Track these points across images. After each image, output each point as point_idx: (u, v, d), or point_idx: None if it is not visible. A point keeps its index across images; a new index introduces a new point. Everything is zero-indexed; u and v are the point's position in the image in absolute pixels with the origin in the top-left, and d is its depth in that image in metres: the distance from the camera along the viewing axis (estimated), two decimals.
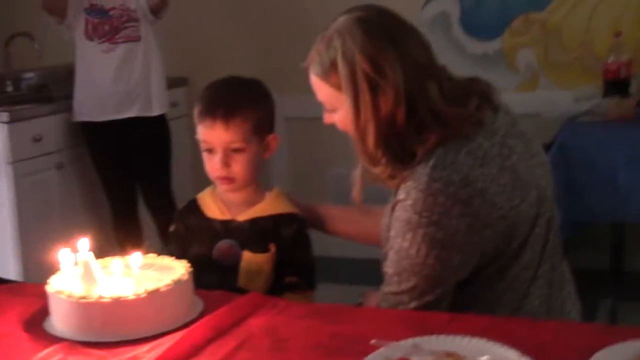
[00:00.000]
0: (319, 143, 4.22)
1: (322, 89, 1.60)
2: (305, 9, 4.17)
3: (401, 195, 1.54)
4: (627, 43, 3.51)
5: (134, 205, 3.76)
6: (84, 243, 1.48)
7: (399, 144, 1.55)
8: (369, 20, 1.55)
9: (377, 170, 1.58)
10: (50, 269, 3.47)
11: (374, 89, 1.52)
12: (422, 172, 1.51)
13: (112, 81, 3.57)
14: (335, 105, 1.59)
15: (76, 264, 1.49)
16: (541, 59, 3.82)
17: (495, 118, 1.59)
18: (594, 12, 3.70)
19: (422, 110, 1.53)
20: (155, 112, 3.67)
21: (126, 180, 3.72)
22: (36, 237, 3.49)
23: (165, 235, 3.66)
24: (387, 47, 1.52)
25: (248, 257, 1.83)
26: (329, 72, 1.56)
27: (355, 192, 1.66)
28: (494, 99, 1.63)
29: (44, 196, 3.56)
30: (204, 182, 2.00)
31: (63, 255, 1.50)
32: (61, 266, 1.50)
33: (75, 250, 1.50)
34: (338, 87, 1.55)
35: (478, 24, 3.91)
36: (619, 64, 3.39)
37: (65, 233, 3.60)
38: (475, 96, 1.60)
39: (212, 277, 1.74)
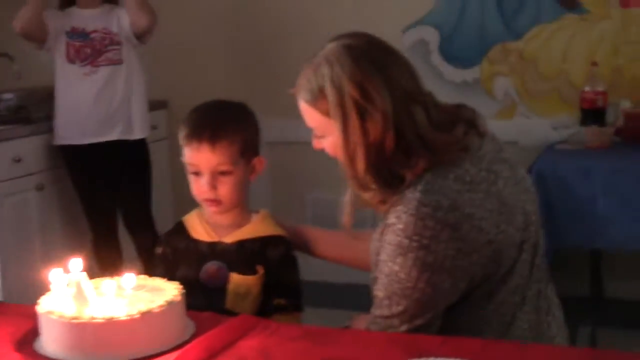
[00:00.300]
0: (299, 167, 4.24)
1: (311, 115, 1.62)
2: (287, 34, 4.21)
3: (391, 219, 1.56)
4: (603, 73, 3.59)
5: (114, 228, 3.74)
6: (77, 263, 1.48)
7: (388, 169, 1.57)
8: (357, 48, 1.58)
9: (367, 196, 1.60)
10: (30, 290, 3.43)
11: (363, 115, 1.54)
12: (411, 196, 1.53)
13: (93, 104, 3.56)
14: (324, 131, 1.61)
15: (68, 284, 1.49)
16: (519, 88, 3.88)
17: (482, 144, 1.62)
18: (570, 42, 3.77)
19: (410, 135, 1.55)
20: (136, 135, 3.66)
21: (106, 202, 3.70)
22: (15, 257, 3.47)
23: (144, 258, 3.67)
24: (374, 74, 1.55)
25: (236, 279, 1.84)
26: (317, 98, 1.58)
27: (346, 218, 1.67)
28: (480, 126, 1.66)
29: (24, 217, 3.54)
30: (184, 204, 2.01)
31: (54, 275, 1.49)
32: (52, 286, 1.50)
33: (66, 270, 1.49)
34: (327, 113, 1.58)
35: (456, 52, 3.97)
36: (595, 93, 3.45)
37: (44, 254, 3.59)
38: (461, 122, 1.63)
39: (200, 299, 1.74)
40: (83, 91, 3.56)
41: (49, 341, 1.45)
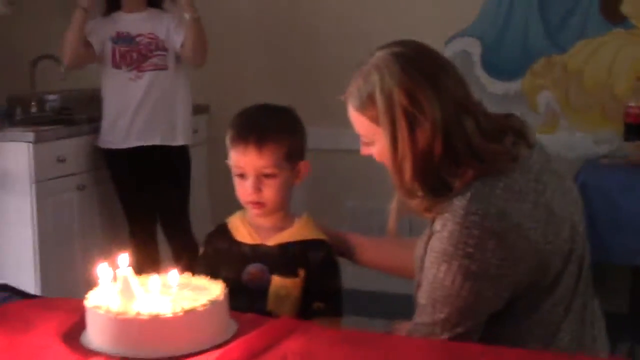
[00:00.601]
0: (337, 175, 4.25)
1: (359, 122, 1.63)
2: (330, 43, 4.23)
3: (437, 226, 1.56)
4: None
5: (152, 231, 3.77)
6: (124, 259, 1.50)
7: (435, 177, 1.57)
8: (407, 56, 1.58)
9: (414, 203, 1.60)
10: (67, 287, 3.49)
11: (412, 124, 1.54)
12: (458, 204, 1.53)
13: (137, 109, 3.60)
14: (372, 138, 1.62)
15: (115, 279, 1.51)
16: (562, 101, 3.85)
17: (531, 154, 1.61)
18: (615, 56, 3.74)
19: (459, 144, 1.55)
20: (178, 142, 3.69)
21: (146, 205, 3.74)
22: (55, 255, 3.53)
23: (180, 263, 3.68)
24: (424, 82, 1.55)
25: (277, 282, 1.85)
26: (366, 105, 1.59)
27: (391, 224, 1.68)
28: (529, 136, 1.65)
29: (65, 216, 3.59)
30: (222, 208, 2.02)
31: (101, 270, 1.51)
32: (99, 281, 1.52)
33: (113, 265, 1.51)
34: (375, 121, 1.58)
35: (499, 64, 3.95)
36: None
37: (83, 253, 3.64)
38: (510, 132, 1.63)
39: (241, 300, 1.74)
40: (128, 96, 3.60)
41: (94, 335, 1.47)
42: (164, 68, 3.63)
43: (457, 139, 1.55)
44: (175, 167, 3.73)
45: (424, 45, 1.64)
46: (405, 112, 1.54)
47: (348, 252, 1.98)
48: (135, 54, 3.60)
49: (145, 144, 3.62)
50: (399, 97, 1.54)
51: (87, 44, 3.62)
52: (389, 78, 1.55)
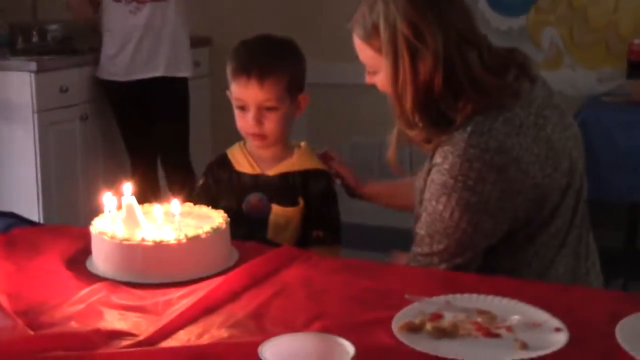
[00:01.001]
0: (339, 110, 4.25)
1: (364, 51, 1.64)
2: None
3: (438, 159, 1.57)
4: None
5: (153, 162, 3.79)
6: (128, 188, 1.53)
7: (435, 109, 1.58)
8: None
9: (413, 133, 1.62)
10: (69, 215, 3.51)
11: (414, 54, 1.55)
12: (459, 137, 1.54)
13: (139, 41, 3.58)
14: (376, 67, 1.63)
15: (119, 207, 1.53)
16: (566, 38, 3.83)
17: (533, 89, 1.62)
18: None
19: (461, 77, 1.56)
20: (181, 73, 3.68)
21: (146, 138, 3.75)
22: (57, 184, 3.56)
23: (177, 195, 3.68)
24: (428, 13, 1.55)
25: (277, 211, 1.88)
26: (371, 35, 1.59)
27: (390, 153, 1.69)
28: (532, 71, 1.66)
29: (67, 146, 3.61)
30: (224, 141, 2.03)
31: (106, 198, 1.54)
32: (104, 209, 1.54)
33: (118, 194, 1.54)
34: (379, 50, 1.59)
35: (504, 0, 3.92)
36: None
37: (85, 183, 3.67)
38: (513, 67, 1.63)
39: (242, 229, 1.77)
40: (129, 28, 3.58)
41: (100, 260, 1.50)
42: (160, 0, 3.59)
43: (459, 71, 1.56)
44: (175, 101, 3.72)
45: None
46: (408, 43, 1.55)
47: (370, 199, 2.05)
48: None
49: (147, 76, 3.61)
50: (402, 28, 1.55)
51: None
52: (393, 8, 1.56)
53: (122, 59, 3.60)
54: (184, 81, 3.72)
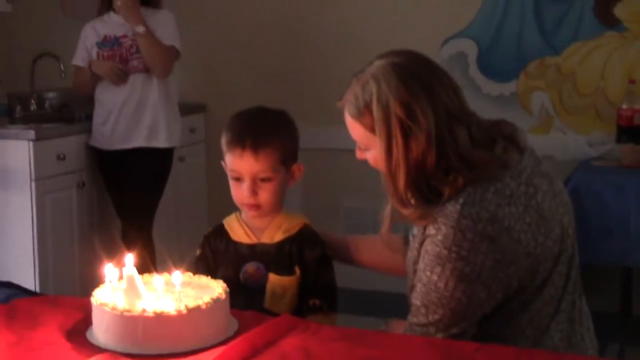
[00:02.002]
0: (333, 175, 4.29)
1: (355, 129, 1.68)
2: (325, 43, 4.27)
3: (431, 230, 1.61)
4: None
5: (146, 230, 3.77)
6: (129, 258, 1.55)
7: (427, 186, 1.62)
8: (404, 67, 1.63)
9: (407, 212, 1.65)
10: (65, 284, 3.50)
11: (407, 134, 1.59)
12: (452, 209, 1.58)
13: (120, 112, 3.61)
14: (367, 144, 1.67)
15: (120, 278, 1.55)
16: (556, 103, 3.90)
17: (521, 159, 1.66)
18: (609, 59, 3.79)
19: (451, 154, 1.60)
20: (161, 143, 3.68)
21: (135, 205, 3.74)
22: (53, 252, 3.56)
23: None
24: (420, 94, 1.60)
25: (274, 280, 1.89)
26: (363, 114, 1.64)
27: (384, 230, 1.73)
28: (520, 141, 1.70)
29: (64, 214, 3.63)
30: (220, 207, 2.05)
31: (108, 269, 1.56)
32: (106, 280, 1.56)
33: (119, 265, 1.56)
34: (371, 129, 1.63)
35: (494, 66, 4.00)
36: (633, 110, 3.48)
37: (81, 251, 3.67)
38: (501, 139, 1.67)
39: (240, 299, 1.78)
40: (113, 98, 3.62)
41: (100, 331, 1.51)
42: (143, 71, 3.61)
43: (449, 149, 1.60)
44: (150, 171, 3.70)
45: (422, 55, 1.69)
46: (401, 123, 1.59)
47: (345, 256, 2.03)
48: (117, 58, 3.60)
49: (127, 146, 3.63)
50: (395, 108, 1.59)
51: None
52: (386, 89, 1.60)
53: (107, 128, 3.64)
54: (165, 152, 3.73)
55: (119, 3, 3.54)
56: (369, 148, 1.67)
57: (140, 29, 3.52)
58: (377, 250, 2.03)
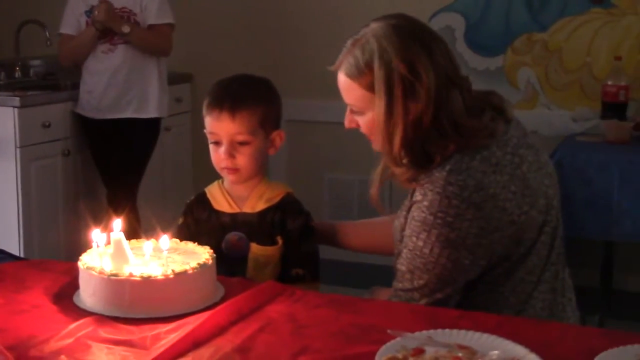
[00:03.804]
0: (318, 147, 4.30)
1: (352, 90, 1.67)
2: (311, 16, 4.26)
3: (418, 196, 1.62)
4: (626, 68, 3.63)
5: (131, 196, 3.77)
6: (117, 223, 1.55)
7: (420, 148, 1.63)
8: (404, 27, 1.64)
9: (399, 171, 1.66)
10: (49, 250, 3.50)
11: (407, 92, 1.60)
12: (438, 175, 1.60)
13: (109, 81, 3.61)
14: (363, 107, 1.66)
15: (108, 243, 1.56)
16: (541, 79, 3.92)
17: (508, 129, 1.68)
18: (595, 36, 3.80)
19: (444, 117, 1.61)
20: (150, 114, 3.69)
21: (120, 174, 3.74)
22: (38, 219, 3.56)
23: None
24: (421, 53, 1.61)
25: (256, 249, 1.89)
26: (363, 73, 1.63)
27: (373, 191, 1.74)
28: (507, 112, 1.72)
29: (50, 181, 3.63)
30: (204, 177, 2.05)
31: (95, 234, 1.57)
32: (93, 244, 1.57)
33: (106, 230, 1.57)
34: (370, 89, 1.63)
35: (481, 41, 4.01)
36: (618, 87, 3.49)
37: (65, 218, 3.68)
38: (489, 108, 1.69)
39: (221, 268, 1.77)
40: (101, 68, 3.61)
41: (88, 295, 1.52)
42: None
43: (444, 112, 1.61)
44: (138, 141, 3.72)
45: (418, 19, 1.70)
46: (403, 80, 1.59)
47: (334, 241, 2.06)
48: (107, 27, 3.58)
49: (116, 116, 3.63)
50: (397, 65, 1.59)
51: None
52: (388, 46, 1.60)
53: (95, 97, 3.63)
54: (153, 122, 3.73)
55: (96, 16, 3.52)
56: (364, 111, 1.66)
57: (126, 29, 3.54)
58: (366, 235, 2.06)
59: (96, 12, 3.52)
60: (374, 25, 1.65)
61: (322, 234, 2.01)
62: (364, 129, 1.69)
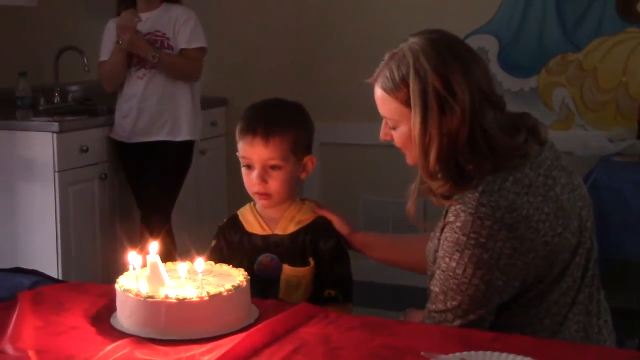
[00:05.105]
0: (352, 169, 4.31)
1: (388, 104, 1.68)
2: (346, 40, 4.29)
3: (450, 217, 1.62)
4: None
5: (165, 219, 3.80)
6: (154, 246, 1.58)
7: (455, 164, 1.63)
8: (441, 42, 1.65)
9: (436, 185, 1.66)
10: (87, 273, 3.53)
11: (443, 107, 1.60)
12: (471, 196, 1.60)
13: (142, 105, 3.64)
14: (398, 121, 1.67)
15: (144, 266, 1.58)
16: (577, 99, 3.90)
17: (541, 151, 1.68)
18: (630, 55, 3.78)
19: (480, 135, 1.61)
20: (183, 137, 3.71)
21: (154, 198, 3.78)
22: (76, 242, 3.61)
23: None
24: (458, 68, 1.61)
25: (288, 271, 1.91)
26: (399, 87, 1.64)
27: (410, 205, 1.74)
28: (542, 134, 1.71)
29: (86, 205, 3.67)
30: (239, 199, 2.07)
31: (132, 256, 1.59)
32: (129, 267, 1.59)
33: (142, 253, 1.59)
34: (406, 103, 1.63)
35: (514, 61, 4.01)
36: None
37: (102, 241, 3.72)
38: (524, 130, 1.69)
39: (254, 290, 1.79)
40: (134, 93, 3.66)
41: (124, 317, 1.54)
42: None
43: (479, 129, 1.61)
44: (171, 164, 3.74)
45: (455, 35, 1.71)
46: (438, 95, 1.60)
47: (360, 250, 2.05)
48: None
49: (149, 140, 3.67)
50: (432, 80, 1.60)
51: (124, 67, 3.68)
52: (424, 61, 1.61)
53: (129, 122, 3.68)
54: (186, 145, 3.76)
55: (121, 43, 3.57)
56: (399, 125, 1.67)
57: (152, 57, 3.57)
58: (389, 248, 2.05)
59: (119, 40, 3.58)
60: (412, 40, 1.66)
61: (356, 242, 2.00)
62: (397, 142, 1.70)
